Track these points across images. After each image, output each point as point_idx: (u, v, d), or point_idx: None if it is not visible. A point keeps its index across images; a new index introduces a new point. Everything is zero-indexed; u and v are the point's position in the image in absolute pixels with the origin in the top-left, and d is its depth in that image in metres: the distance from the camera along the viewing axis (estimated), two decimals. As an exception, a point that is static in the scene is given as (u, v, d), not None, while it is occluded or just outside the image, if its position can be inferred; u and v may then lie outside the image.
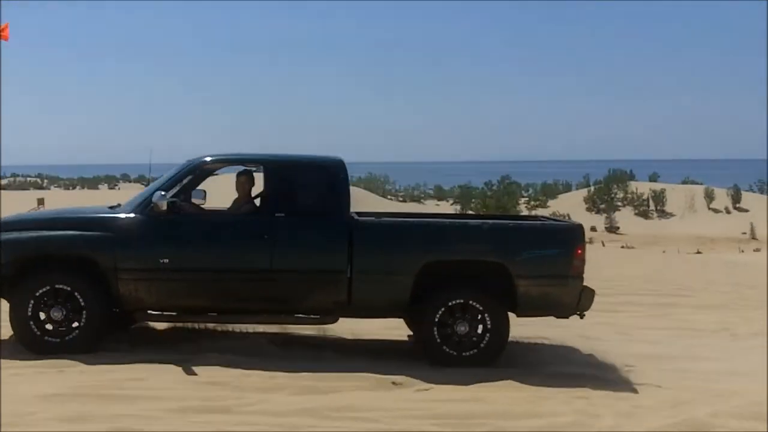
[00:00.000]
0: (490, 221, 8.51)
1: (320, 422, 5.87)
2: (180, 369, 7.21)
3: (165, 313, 8.02)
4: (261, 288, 7.90)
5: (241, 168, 8.55)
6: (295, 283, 7.90)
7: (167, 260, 7.79)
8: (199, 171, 8.35)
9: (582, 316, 8.28)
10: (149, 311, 7.94)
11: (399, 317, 8.41)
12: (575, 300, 7.93)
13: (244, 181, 8.53)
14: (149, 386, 6.62)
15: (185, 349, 7.92)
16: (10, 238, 7.88)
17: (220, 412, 6.04)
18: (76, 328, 7.73)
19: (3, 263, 7.77)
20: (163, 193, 7.89)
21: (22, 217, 8.77)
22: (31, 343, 7.71)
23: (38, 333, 7.70)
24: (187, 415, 5.90)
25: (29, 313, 7.68)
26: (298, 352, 8.10)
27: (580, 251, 7.92)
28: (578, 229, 8.18)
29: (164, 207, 7.80)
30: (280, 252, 7.84)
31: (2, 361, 7.31)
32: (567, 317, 8.24)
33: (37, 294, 7.70)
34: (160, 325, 8.89)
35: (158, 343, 8.29)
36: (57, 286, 7.72)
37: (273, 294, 7.90)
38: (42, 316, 7.75)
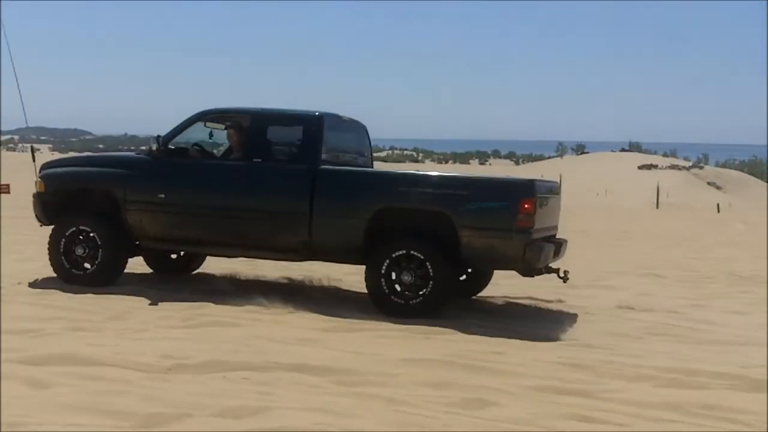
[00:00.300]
0: (438, 173, 9.03)
1: (684, 418, 5.46)
2: (541, 346, 7.19)
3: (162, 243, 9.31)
4: (236, 224, 8.88)
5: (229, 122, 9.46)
6: (265, 222, 8.76)
7: (163, 195, 9.03)
8: (197, 122, 9.38)
9: (565, 280, 8.78)
10: (152, 241, 9.26)
11: (357, 263, 8.80)
12: (520, 253, 8.01)
13: (232, 133, 9.44)
14: (509, 361, 6.63)
15: (538, 325, 8.05)
16: (51, 173, 9.71)
17: (580, 395, 5.86)
18: (93, 266, 9.18)
19: (46, 193, 9.49)
20: (156, 136, 9.10)
21: (65, 157, 10.57)
22: (57, 268, 9.30)
23: (64, 260, 9.24)
24: (545, 395, 5.80)
25: (65, 236, 9.25)
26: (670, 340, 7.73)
27: (527, 206, 7.99)
28: (524, 184, 8.28)
29: (154, 148, 9.06)
30: (252, 193, 8.83)
31: (370, 322, 7.79)
32: (523, 273, 8.47)
33: (72, 231, 9.23)
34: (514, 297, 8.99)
35: (514, 318, 8.52)
36: (81, 227, 9.23)
37: (245, 230, 8.87)
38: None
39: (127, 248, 9.42)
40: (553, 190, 8.87)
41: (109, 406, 4.98)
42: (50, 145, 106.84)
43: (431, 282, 8.15)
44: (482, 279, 9.61)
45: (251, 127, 9.13)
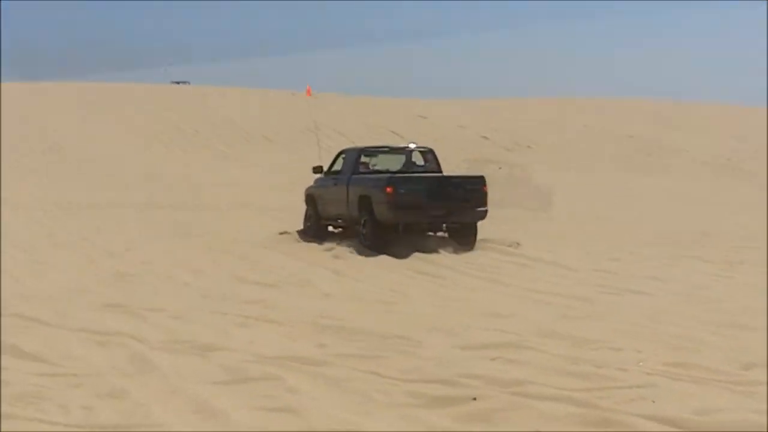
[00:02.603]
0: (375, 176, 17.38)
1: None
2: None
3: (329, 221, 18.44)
4: (342, 207, 17.35)
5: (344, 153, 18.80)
6: (348, 204, 17.07)
7: (322, 195, 18.35)
8: (338, 157, 18.55)
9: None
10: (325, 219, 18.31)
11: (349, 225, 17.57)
12: (385, 213, 16.13)
13: (340, 160, 18.54)
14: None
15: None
16: (308, 187, 19.26)
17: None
18: (309, 227, 18.56)
19: (305, 197, 19.22)
20: (315, 165, 18.80)
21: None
22: (304, 225, 18.66)
23: (305, 223, 18.73)
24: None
25: (305, 214, 18.88)
26: None
27: (389, 190, 15.94)
28: (388, 178, 16.53)
29: (313, 173, 18.91)
30: (341, 187, 17.56)
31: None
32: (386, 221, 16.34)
33: (307, 211, 18.94)
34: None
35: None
36: (309, 211, 18.85)
37: (346, 210, 17.29)
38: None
39: (321, 223, 18.56)
40: (418, 181, 16.90)
41: None
42: None
43: (369, 231, 16.20)
44: (465, 234, 16.40)
45: (344, 157, 18.31)
